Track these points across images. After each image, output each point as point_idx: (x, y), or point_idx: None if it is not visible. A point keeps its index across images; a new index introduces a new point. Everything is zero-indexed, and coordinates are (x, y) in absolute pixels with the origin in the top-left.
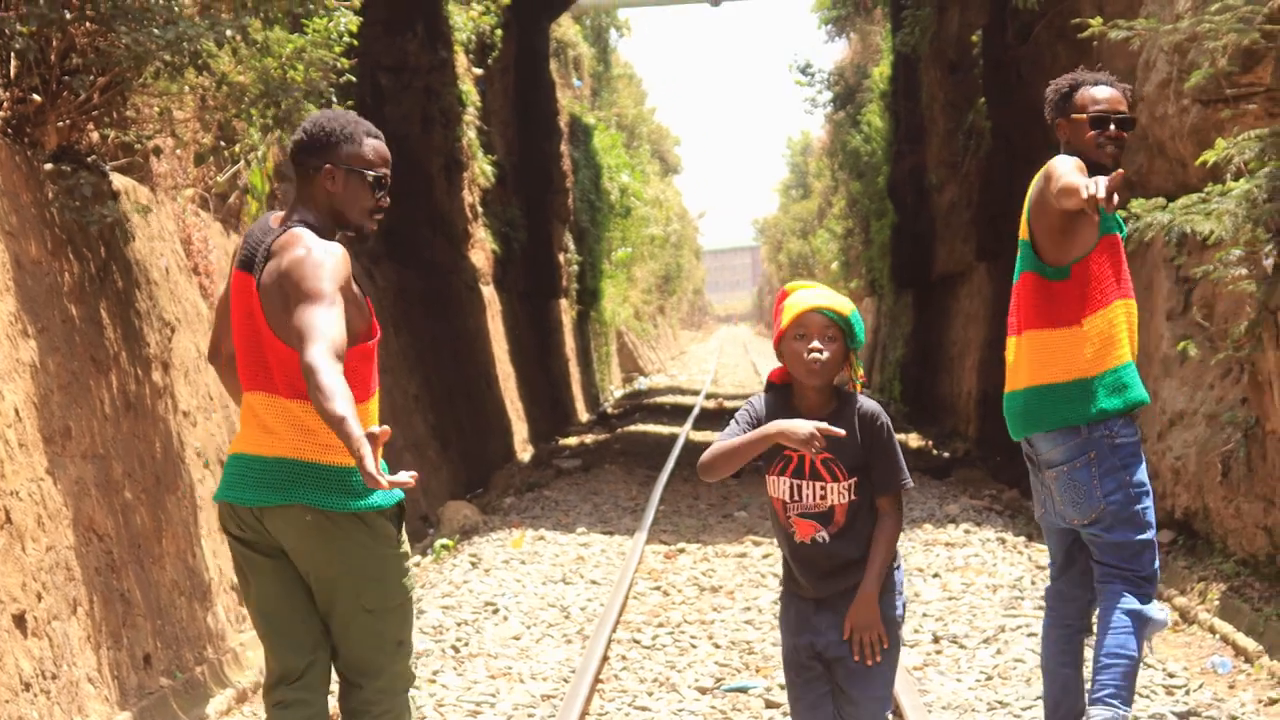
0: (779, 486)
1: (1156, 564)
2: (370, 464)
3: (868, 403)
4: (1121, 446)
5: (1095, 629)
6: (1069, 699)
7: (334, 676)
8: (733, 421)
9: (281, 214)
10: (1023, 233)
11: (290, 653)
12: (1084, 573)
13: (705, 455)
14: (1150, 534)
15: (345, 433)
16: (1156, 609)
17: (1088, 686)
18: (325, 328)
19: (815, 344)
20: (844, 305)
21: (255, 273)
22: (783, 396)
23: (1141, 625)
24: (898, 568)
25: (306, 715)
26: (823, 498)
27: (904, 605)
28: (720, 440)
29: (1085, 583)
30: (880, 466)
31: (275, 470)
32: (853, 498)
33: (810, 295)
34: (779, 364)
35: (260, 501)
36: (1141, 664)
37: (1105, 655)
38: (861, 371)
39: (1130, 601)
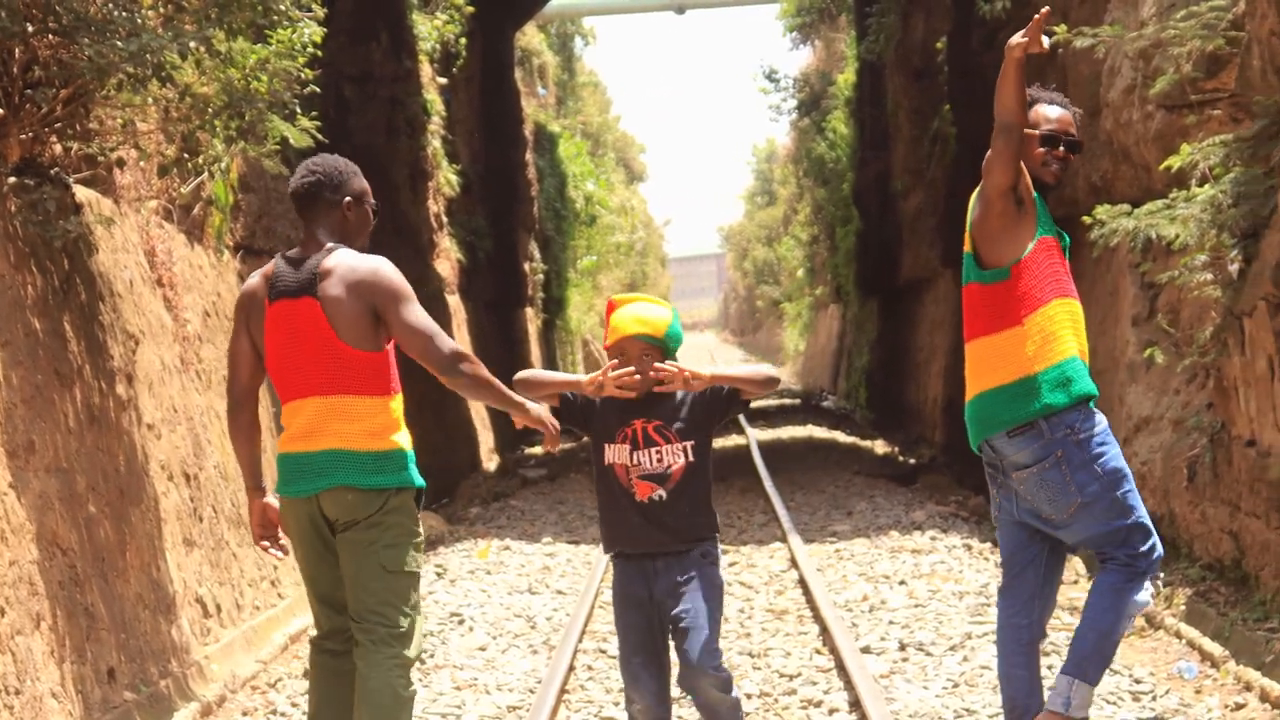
0: (620, 454)
1: (1151, 542)
2: (534, 412)
3: None
4: (1086, 440)
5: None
6: (1026, 701)
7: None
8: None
9: (294, 252)
10: (965, 245)
11: (341, 617)
12: (1035, 571)
13: (527, 374)
14: (1136, 516)
15: (509, 402)
16: (1142, 589)
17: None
18: (428, 320)
19: (631, 368)
20: (658, 324)
21: (314, 295)
22: None
23: (1122, 602)
24: (717, 544)
25: (354, 660)
26: (659, 460)
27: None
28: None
29: (1034, 582)
30: (725, 392)
31: (324, 460)
32: (690, 459)
33: (627, 319)
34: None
35: (314, 489)
36: (1120, 639)
37: (1080, 629)
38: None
39: (1115, 581)
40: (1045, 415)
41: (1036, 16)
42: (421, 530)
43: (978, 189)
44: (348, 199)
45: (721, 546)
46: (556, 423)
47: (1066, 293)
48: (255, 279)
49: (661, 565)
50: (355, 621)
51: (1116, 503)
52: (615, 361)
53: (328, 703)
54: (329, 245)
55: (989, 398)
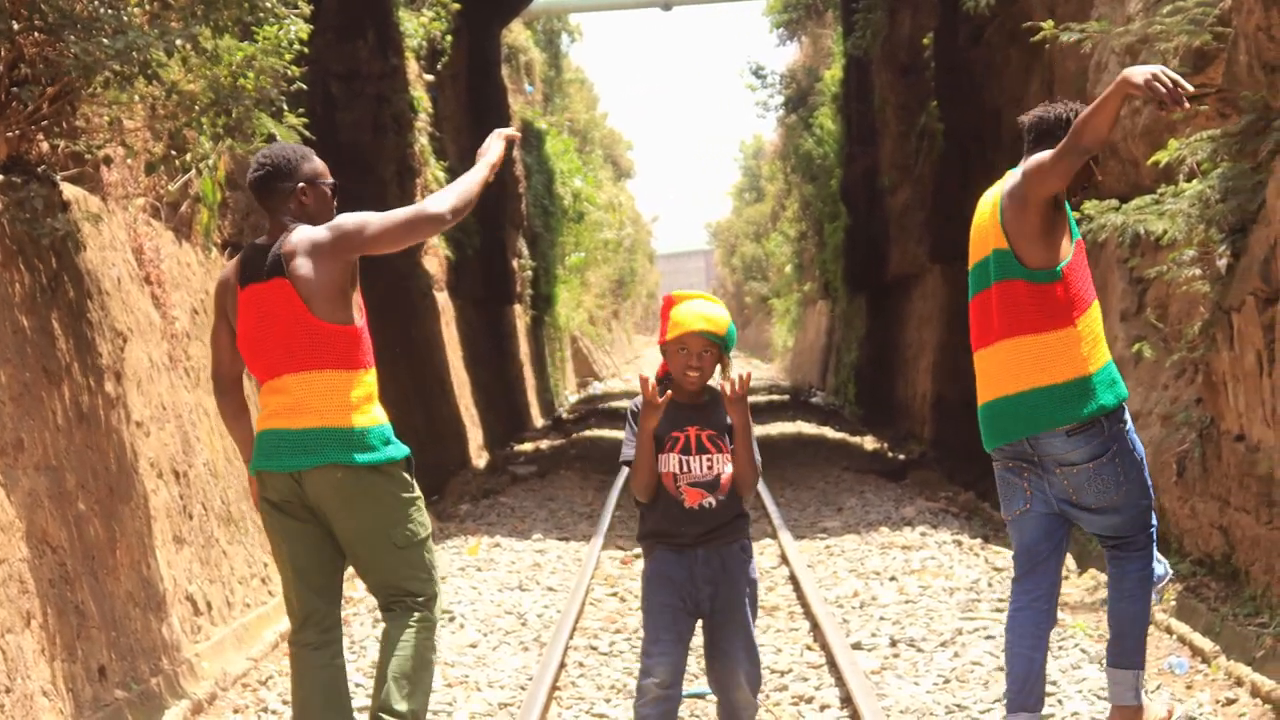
0: (668, 462)
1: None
2: (495, 153)
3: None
4: (1130, 432)
5: (1108, 593)
6: (1035, 683)
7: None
8: (626, 428)
9: (261, 239)
10: (998, 242)
11: (318, 599)
12: (1057, 559)
13: (633, 483)
14: (1151, 492)
15: (481, 175)
16: (1159, 565)
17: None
18: (398, 210)
19: (694, 362)
20: (720, 323)
21: (283, 274)
22: (664, 386)
23: (1150, 585)
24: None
25: (333, 653)
26: (710, 467)
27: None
28: (625, 457)
29: (1056, 569)
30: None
31: (306, 438)
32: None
33: (691, 315)
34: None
35: (297, 466)
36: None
37: (1123, 625)
38: (731, 367)
39: (1141, 566)
40: (1103, 415)
41: (1180, 91)
42: (419, 491)
43: (1004, 190)
44: (301, 184)
45: None
46: (502, 144)
47: (1096, 295)
48: (228, 268)
49: (702, 554)
50: (379, 595)
51: (1142, 483)
52: (653, 385)
53: (319, 697)
54: (290, 226)
55: (1036, 396)
